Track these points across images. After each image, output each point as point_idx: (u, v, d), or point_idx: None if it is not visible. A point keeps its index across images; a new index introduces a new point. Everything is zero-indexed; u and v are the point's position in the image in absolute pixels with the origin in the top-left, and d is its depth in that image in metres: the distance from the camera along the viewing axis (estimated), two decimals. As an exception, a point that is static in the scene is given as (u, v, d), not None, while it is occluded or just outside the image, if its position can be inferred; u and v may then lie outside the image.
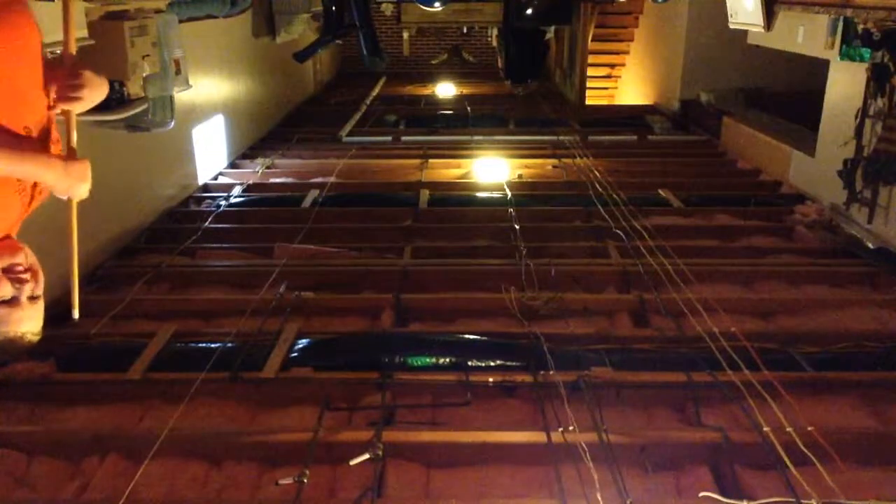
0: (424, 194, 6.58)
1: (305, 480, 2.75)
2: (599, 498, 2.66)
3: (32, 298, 1.61)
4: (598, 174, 6.91)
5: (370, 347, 3.86)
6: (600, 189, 6.39)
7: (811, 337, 3.97)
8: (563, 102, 12.13)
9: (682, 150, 8.68)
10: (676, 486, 2.98)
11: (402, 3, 12.81)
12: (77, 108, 1.62)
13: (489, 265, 4.98)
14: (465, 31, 16.47)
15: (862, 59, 5.47)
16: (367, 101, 11.82)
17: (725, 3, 5.88)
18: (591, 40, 12.20)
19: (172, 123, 4.92)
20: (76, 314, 1.97)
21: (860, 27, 5.22)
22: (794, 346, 3.83)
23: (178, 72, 4.76)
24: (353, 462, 2.85)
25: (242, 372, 3.57)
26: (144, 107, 4.36)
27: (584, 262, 5.09)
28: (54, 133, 1.63)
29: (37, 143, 1.54)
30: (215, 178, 7.29)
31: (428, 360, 3.68)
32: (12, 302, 1.56)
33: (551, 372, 3.50)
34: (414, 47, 16.56)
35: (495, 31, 14.93)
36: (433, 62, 16.80)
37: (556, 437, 3.04)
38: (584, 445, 2.89)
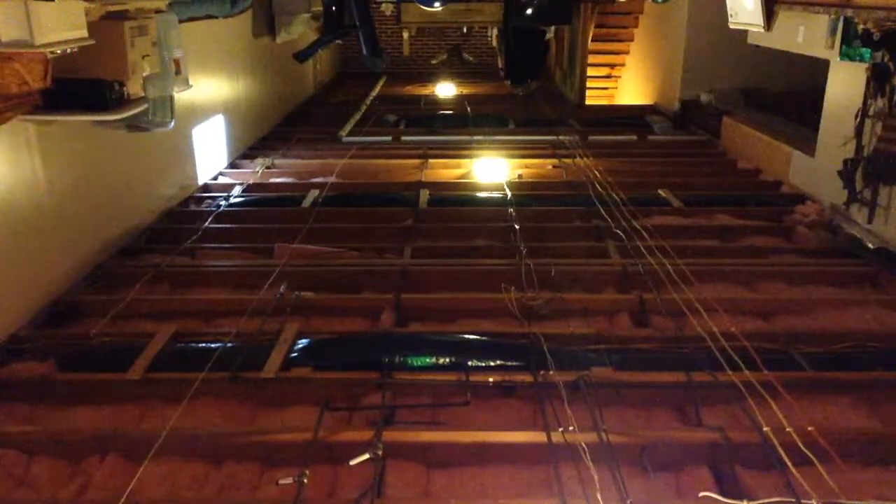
0: (424, 194, 6.58)
1: (305, 480, 2.75)
2: (599, 498, 2.66)
3: None
4: (598, 174, 6.90)
5: (370, 347, 3.86)
6: (600, 189, 6.38)
7: (811, 337, 3.97)
8: (563, 102, 12.12)
9: (682, 150, 8.68)
10: (676, 486, 2.98)
11: (402, 3, 12.81)
12: None
13: (489, 265, 4.98)
14: (465, 31, 16.47)
15: (862, 59, 5.47)
16: (367, 101, 11.82)
17: (725, 3, 5.88)
18: (591, 40, 12.19)
19: (172, 123, 4.92)
20: None
21: (860, 27, 5.22)
22: (794, 346, 3.83)
23: (178, 72, 4.75)
24: (353, 462, 2.85)
25: (242, 372, 3.57)
26: (144, 107, 4.36)
27: (584, 262, 5.08)
28: None
29: None
30: (215, 178, 7.29)
31: (428, 360, 3.68)
32: None
33: (551, 372, 3.50)
34: (414, 47, 16.56)
35: (495, 31, 14.94)
36: (433, 62, 16.80)
37: (556, 437, 3.04)
38: (584, 445, 2.89)
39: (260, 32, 9.35)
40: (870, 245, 5.30)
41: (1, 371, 3.71)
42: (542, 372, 3.53)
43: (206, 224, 5.78)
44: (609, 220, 5.66)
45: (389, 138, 9.22)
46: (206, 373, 3.45)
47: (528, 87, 12.52)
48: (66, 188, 4.60)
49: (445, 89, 13.72)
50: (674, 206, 6.32)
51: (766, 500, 2.68)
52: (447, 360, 3.69)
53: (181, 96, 5.18)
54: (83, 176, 4.83)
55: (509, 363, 3.70)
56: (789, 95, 8.94)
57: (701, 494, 2.75)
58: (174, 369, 3.62)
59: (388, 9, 13.57)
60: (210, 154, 7.23)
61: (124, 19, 4.09)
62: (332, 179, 7.13)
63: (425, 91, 13.67)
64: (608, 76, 14.13)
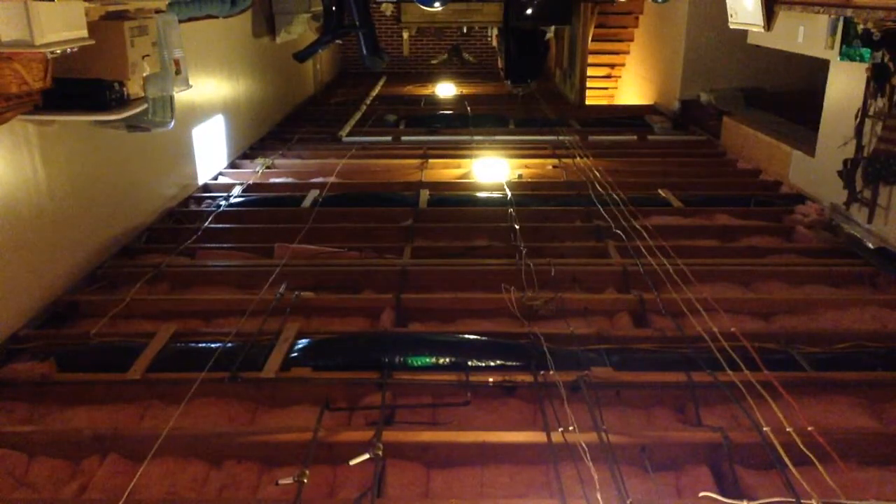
0: (424, 194, 6.58)
1: (305, 480, 2.74)
2: (599, 498, 2.66)
3: None
4: (598, 174, 6.90)
5: (370, 347, 3.86)
6: (600, 189, 6.38)
7: (811, 337, 3.97)
8: (563, 102, 12.12)
9: (682, 150, 8.68)
10: (676, 486, 2.98)
11: (402, 3, 12.81)
12: None
13: (489, 265, 4.98)
14: (465, 31, 16.47)
15: (862, 59, 5.47)
16: (367, 101, 11.82)
17: (725, 3, 5.88)
18: (591, 40, 12.19)
19: (172, 123, 4.92)
20: None
21: (860, 27, 5.22)
22: (794, 346, 3.83)
23: (178, 72, 4.76)
24: (353, 462, 2.85)
25: (242, 372, 3.57)
26: (144, 107, 4.36)
27: (584, 262, 5.08)
28: None
29: None
30: (215, 178, 7.29)
31: (428, 360, 3.68)
32: None
33: (551, 372, 3.50)
34: (414, 47, 16.56)
35: (495, 31, 14.94)
36: (433, 62, 16.80)
37: (556, 437, 3.04)
38: (584, 445, 2.89)
39: (260, 32, 9.35)
40: (870, 245, 5.30)
41: (1, 371, 3.71)
42: (542, 372, 3.53)
43: (206, 224, 5.78)
44: (609, 220, 5.66)
45: (389, 138, 9.22)
46: (206, 373, 3.45)
47: (528, 87, 12.52)
48: (66, 188, 4.60)
49: (445, 89, 13.72)
50: (674, 206, 6.33)
51: (766, 501, 2.69)
52: (447, 360, 3.69)
53: (181, 96, 5.19)
54: (83, 176, 4.83)
55: (509, 363, 3.70)
56: (789, 95, 8.95)
57: (701, 494, 2.75)
58: (174, 369, 3.62)
59: (388, 9, 13.57)
60: (210, 154, 7.23)
61: (124, 19, 4.09)
62: (332, 179, 7.13)
63: (425, 91, 13.67)
64: (608, 76, 14.13)
